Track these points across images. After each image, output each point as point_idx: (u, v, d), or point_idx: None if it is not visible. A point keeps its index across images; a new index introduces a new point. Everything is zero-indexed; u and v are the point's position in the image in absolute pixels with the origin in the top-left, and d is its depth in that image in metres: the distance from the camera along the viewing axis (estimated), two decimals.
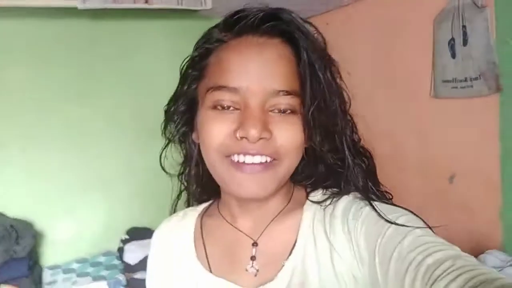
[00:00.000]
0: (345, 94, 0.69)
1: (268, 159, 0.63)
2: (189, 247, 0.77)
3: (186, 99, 0.72)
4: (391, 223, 0.59)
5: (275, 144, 0.63)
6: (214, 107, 0.64)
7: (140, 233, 2.18)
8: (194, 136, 0.74)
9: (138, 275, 1.99)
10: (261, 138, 0.61)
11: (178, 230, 0.80)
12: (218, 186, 0.72)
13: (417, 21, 1.95)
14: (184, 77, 0.72)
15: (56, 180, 2.18)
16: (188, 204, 0.84)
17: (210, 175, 0.70)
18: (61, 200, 2.18)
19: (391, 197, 0.70)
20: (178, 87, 0.74)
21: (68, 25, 2.11)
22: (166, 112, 0.76)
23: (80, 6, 1.85)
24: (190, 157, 0.77)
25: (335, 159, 0.68)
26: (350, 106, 0.69)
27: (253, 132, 0.60)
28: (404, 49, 2.06)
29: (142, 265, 2.00)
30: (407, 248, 0.55)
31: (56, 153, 2.17)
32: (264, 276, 0.68)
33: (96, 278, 2.00)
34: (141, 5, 1.95)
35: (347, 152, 0.67)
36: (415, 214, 0.62)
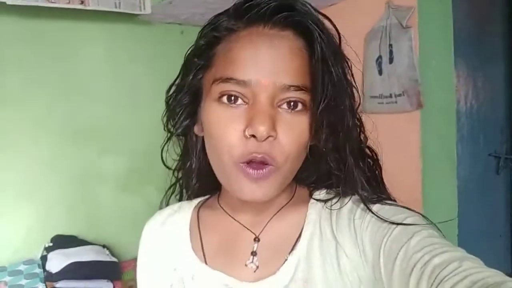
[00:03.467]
0: (355, 92, 0.67)
1: (272, 168, 0.61)
2: (184, 238, 0.75)
3: (191, 90, 0.69)
4: (397, 224, 0.58)
5: (281, 146, 0.61)
6: (220, 99, 0.61)
7: (65, 241, 2.08)
8: (196, 129, 0.70)
9: (59, 284, 1.89)
10: (269, 136, 0.59)
11: (172, 222, 0.78)
12: (218, 182, 0.69)
13: (349, 39, 2.04)
14: (188, 66, 0.69)
15: None
16: (180, 199, 0.81)
17: (211, 170, 0.68)
18: None
19: (394, 200, 0.68)
20: (179, 76, 0.70)
21: None
22: (167, 103, 0.72)
23: (10, 1, 1.77)
24: (192, 151, 0.74)
25: (336, 159, 0.66)
26: (359, 106, 0.68)
27: (262, 129, 0.58)
28: None
29: (63, 274, 1.90)
30: (413, 248, 0.54)
31: None
32: (265, 271, 0.66)
33: None
34: (76, 5, 1.89)
35: (348, 153, 0.65)
36: (423, 216, 0.61)
